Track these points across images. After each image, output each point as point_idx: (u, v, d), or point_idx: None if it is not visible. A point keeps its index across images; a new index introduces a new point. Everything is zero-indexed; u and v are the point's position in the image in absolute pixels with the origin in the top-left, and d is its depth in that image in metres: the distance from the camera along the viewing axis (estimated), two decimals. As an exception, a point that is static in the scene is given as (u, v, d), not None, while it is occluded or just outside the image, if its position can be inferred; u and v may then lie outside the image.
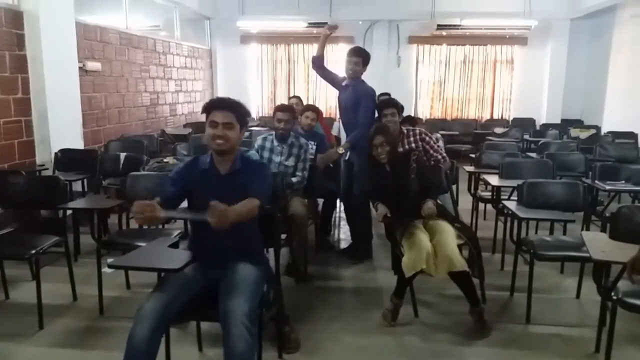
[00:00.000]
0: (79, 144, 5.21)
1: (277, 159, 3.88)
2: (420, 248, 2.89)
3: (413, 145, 3.97)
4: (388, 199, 3.29)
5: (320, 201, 4.63)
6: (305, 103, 5.82)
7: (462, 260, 2.89)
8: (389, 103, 4.07)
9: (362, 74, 4.11)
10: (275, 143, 3.91)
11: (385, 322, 3.07)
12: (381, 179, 3.36)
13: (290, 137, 3.91)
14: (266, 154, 3.93)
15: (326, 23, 8.82)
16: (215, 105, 2.30)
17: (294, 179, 3.82)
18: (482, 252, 3.06)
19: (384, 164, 3.34)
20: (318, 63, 4.30)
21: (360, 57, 4.03)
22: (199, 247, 2.32)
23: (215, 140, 2.26)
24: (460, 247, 2.97)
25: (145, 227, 3.29)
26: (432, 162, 3.94)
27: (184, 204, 2.38)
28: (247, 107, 2.38)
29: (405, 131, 4.12)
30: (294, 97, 5.62)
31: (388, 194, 3.30)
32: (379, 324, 3.10)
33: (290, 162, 3.87)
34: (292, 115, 3.96)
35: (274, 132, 3.97)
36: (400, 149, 4.08)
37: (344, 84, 4.18)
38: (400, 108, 4.07)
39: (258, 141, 4.04)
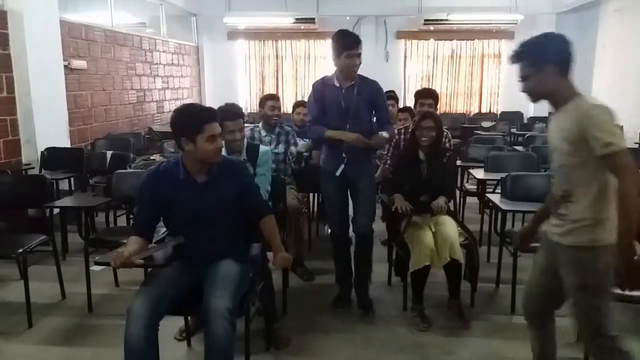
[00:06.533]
0: (65, 143, 5.19)
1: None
2: (424, 244, 2.96)
3: (447, 145, 3.83)
4: (405, 188, 3.27)
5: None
6: (295, 99, 5.82)
7: (461, 252, 2.99)
8: (427, 94, 3.87)
9: None
10: (263, 133, 3.93)
11: (418, 327, 2.98)
12: (408, 166, 3.30)
13: (277, 127, 3.95)
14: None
15: (313, 19, 8.99)
16: (211, 117, 2.20)
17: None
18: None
19: (417, 152, 3.27)
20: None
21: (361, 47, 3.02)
22: (183, 248, 2.32)
23: (219, 154, 2.24)
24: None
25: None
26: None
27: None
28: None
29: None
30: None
31: (411, 183, 3.26)
32: (362, 316, 3.16)
33: (280, 149, 3.88)
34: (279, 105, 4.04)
35: (260, 124, 4.00)
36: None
37: (338, 84, 3.04)
38: (437, 99, 3.86)
39: (247, 132, 4.06)
